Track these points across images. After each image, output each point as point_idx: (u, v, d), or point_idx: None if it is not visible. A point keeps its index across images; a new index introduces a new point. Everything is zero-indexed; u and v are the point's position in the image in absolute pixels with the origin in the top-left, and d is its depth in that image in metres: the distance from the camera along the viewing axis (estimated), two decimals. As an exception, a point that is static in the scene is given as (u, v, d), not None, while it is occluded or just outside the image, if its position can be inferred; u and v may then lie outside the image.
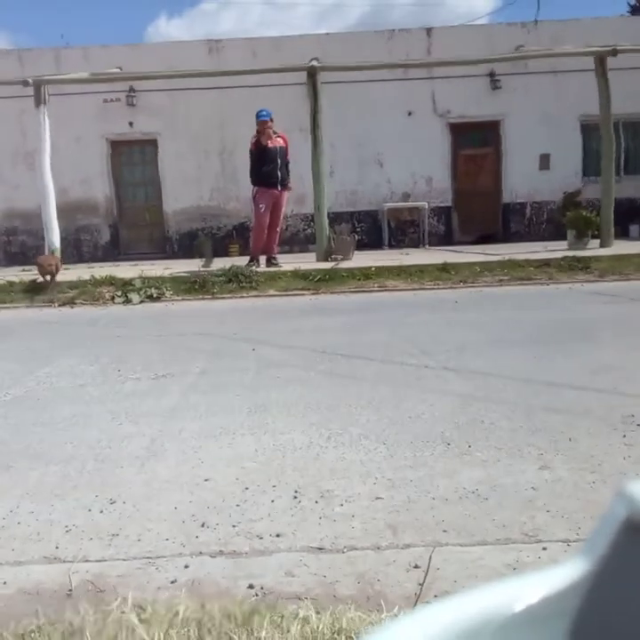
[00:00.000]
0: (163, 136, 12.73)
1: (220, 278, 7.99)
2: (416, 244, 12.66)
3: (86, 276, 8.18)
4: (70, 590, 1.68)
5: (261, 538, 1.90)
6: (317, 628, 1.42)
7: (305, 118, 9.86)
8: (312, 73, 9.41)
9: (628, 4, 25.20)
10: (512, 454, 2.45)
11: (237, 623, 1.45)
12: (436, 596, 1.58)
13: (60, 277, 8.26)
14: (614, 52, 9.56)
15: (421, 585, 1.63)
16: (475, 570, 1.69)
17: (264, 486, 2.25)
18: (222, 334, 5.28)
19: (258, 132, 8.80)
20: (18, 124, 12.01)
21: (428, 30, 12.71)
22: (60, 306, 7.50)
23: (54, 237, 9.57)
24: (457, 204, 13.13)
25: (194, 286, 7.88)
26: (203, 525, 1.99)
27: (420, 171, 12.84)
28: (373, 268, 8.18)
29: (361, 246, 10.68)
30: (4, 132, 12.31)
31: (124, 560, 1.82)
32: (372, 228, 12.90)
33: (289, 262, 8.94)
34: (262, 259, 9.15)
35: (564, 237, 10.03)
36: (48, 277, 8.18)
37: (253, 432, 2.84)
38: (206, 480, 2.33)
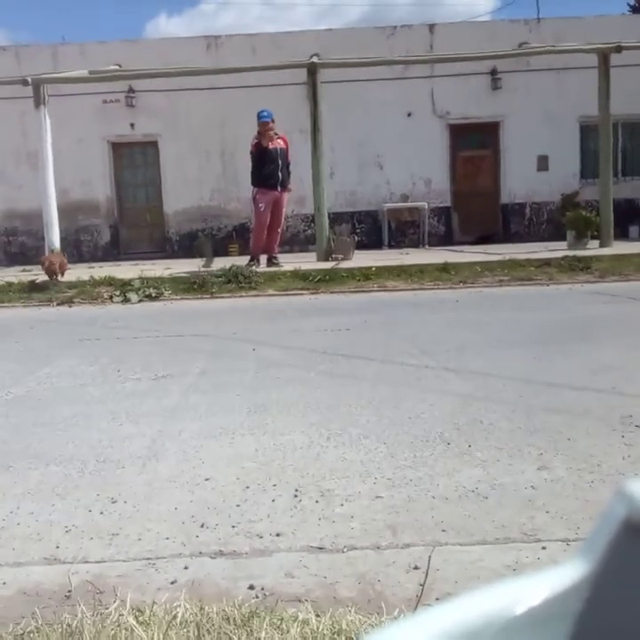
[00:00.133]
0: (163, 137, 12.74)
1: (220, 278, 7.99)
2: (416, 244, 12.67)
3: (85, 276, 8.19)
4: (69, 591, 1.68)
5: (261, 538, 1.90)
6: (317, 629, 1.42)
7: (305, 119, 9.86)
8: (312, 70, 9.41)
9: (628, 4, 25.23)
10: (512, 454, 2.45)
11: (237, 625, 1.45)
12: (437, 599, 1.58)
13: (58, 277, 8.28)
14: (619, 49, 9.52)
15: (422, 586, 1.63)
16: (475, 570, 1.69)
17: (264, 486, 2.25)
18: (222, 334, 5.28)
19: (259, 133, 8.80)
20: (19, 124, 12.01)
21: (431, 27, 12.71)
22: (58, 305, 7.50)
23: (54, 237, 9.57)
24: (456, 204, 13.14)
25: (193, 286, 7.89)
26: (202, 526, 1.99)
27: (419, 172, 12.85)
28: (373, 269, 8.18)
29: (361, 247, 10.69)
30: (4, 133, 12.31)
31: (123, 561, 1.82)
32: (371, 229, 12.91)
33: (289, 262, 8.94)
34: (263, 258, 9.16)
35: (563, 238, 10.04)
36: (53, 276, 8.21)
37: (253, 432, 2.84)
38: (207, 480, 2.33)
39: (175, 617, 1.48)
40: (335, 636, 1.41)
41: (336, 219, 11.69)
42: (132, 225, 13.14)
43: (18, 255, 12.69)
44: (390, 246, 12.55)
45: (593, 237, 9.59)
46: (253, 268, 8.61)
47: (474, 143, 13.10)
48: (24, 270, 10.10)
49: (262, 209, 8.90)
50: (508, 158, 12.98)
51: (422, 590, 1.61)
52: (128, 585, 1.70)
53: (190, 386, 3.67)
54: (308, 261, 9.07)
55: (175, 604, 1.55)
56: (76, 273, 8.63)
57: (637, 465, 2.31)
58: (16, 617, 1.57)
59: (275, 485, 2.26)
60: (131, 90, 12.34)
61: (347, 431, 2.79)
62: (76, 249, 12.60)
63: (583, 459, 2.37)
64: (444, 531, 1.89)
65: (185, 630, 1.44)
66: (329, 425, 2.88)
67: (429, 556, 1.75)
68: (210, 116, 12.44)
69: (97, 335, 5.56)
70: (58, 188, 9.87)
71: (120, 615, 1.51)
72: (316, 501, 2.12)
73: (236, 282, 7.91)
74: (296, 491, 2.20)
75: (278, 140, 8.95)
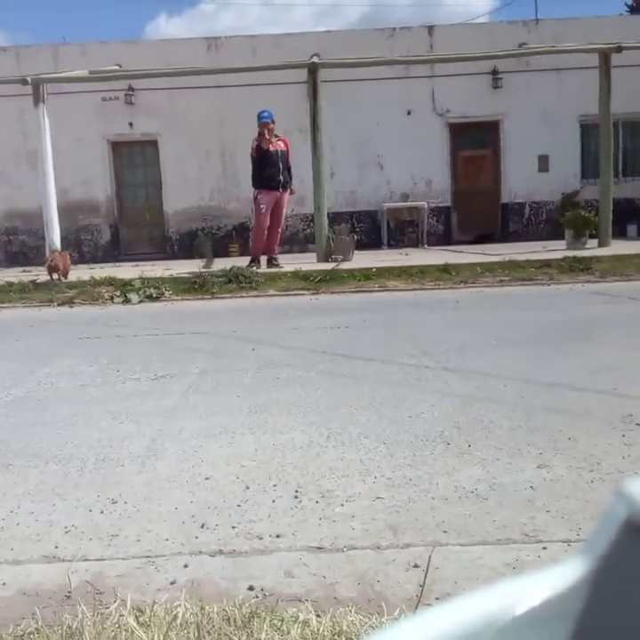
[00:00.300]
0: (163, 136, 12.73)
1: (220, 278, 7.99)
2: (415, 243, 12.67)
3: (86, 277, 8.19)
4: (69, 591, 1.68)
5: (261, 538, 1.90)
6: (318, 630, 1.41)
7: (305, 119, 9.86)
8: (313, 70, 9.40)
9: (626, 4, 25.25)
10: (512, 454, 2.45)
11: (237, 626, 1.45)
12: (437, 598, 1.57)
13: (62, 278, 8.29)
14: (619, 49, 9.51)
15: (422, 586, 1.63)
16: (475, 570, 1.69)
17: (264, 486, 2.25)
18: (222, 334, 5.27)
19: (259, 133, 8.80)
20: (18, 124, 12.00)
21: (430, 28, 12.71)
22: (58, 306, 7.50)
23: (55, 237, 9.57)
24: (456, 204, 13.13)
25: (193, 286, 7.89)
26: (202, 526, 1.98)
27: (419, 171, 12.84)
28: (374, 269, 8.18)
29: (360, 246, 10.69)
30: (3, 132, 12.30)
31: (123, 559, 1.82)
32: (371, 228, 12.91)
33: (289, 262, 8.94)
34: (263, 259, 9.16)
35: (561, 237, 10.04)
36: (58, 276, 8.22)
37: (253, 431, 2.84)
38: (207, 479, 2.33)
39: (175, 618, 1.47)
40: (336, 636, 1.40)
41: (335, 218, 11.69)
42: (132, 224, 13.14)
43: (18, 255, 12.69)
44: (389, 246, 12.55)
45: (591, 236, 9.60)
46: (254, 268, 8.61)
47: (474, 142, 13.09)
48: (24, 270, 10.11)
49: (263, 210, 8.90)
50: (508, 157, 12.97)
51: (422, 590, 1.61)
52: (128, 585, 1.69)
53: (190, 385, 3.67)
54: (308, 262, 9.06)
55: (175, 605, 1.54)
56: (76, 273, 8.64)
57: (637, 464, 2.31)
58: (16, 617, 1.57)
59: (275, 485, 2.26)
60: (130, 88, 12.33)
61: (346, 430, 2.79)
62: (77, 249, 12.60)
63: (583, 458, 2.37)
64: (444, 531, 1.89)
65: (185, 631, 1.44)
66: (329, 424, 2.88)
67: (429, 556, 1.75)
68: (210, 115, 12.44)
69: (97, 335, 5.56)
70: (57, 188, 9.86)
71: (120, 616, 1.50)
72: (316, 501, 2.12)
73: (236, 282, 7.91)
74: (296, 491, 2.20)
75: (278, 142, 8.95)
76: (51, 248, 9.40)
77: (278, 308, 6.79)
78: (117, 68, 11.40)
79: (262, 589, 1.65)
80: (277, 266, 8.87)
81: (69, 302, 7.58)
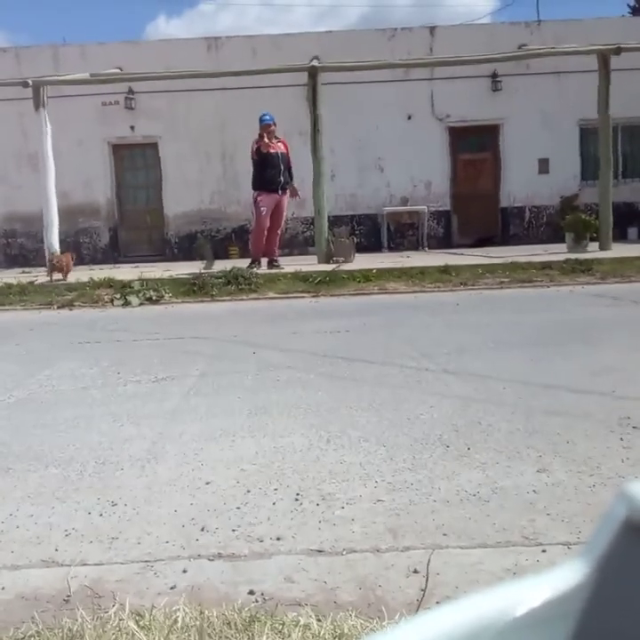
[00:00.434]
0: (163, 139, 12.74)
1: (220, 279, 7.99)
2: (415, 246, 12.68)
3: (85, 278, 8.19)
4: (68, 595, 1.67)
5: (262, 542, 1.90)
6: (319, 633, 1.41)
7: (305, 121, 9.87)
8: (313, 73, 9.42)
9: (628, 5, 25.29)
10: (511, 456, 2.45)
11: (238, 629, 1.45)
12: (437, 602, 1.57)
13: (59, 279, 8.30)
14: (618, 51, 9.50)
15: (423, 590, 1.62)
16: (475, 574, 1.68)
17: (264, 489, 2.25)
18: (222, 337, 5.27)
19: (260, 135, 8.83)
20: (19, 126, 12.01)
21: (431, 29, 12.72)
22: (58, 308, 7.50)
23: (54, 240, 9.58)
24: (456, 207, 13.14)
25: (193, 288, 7.88)
26: (202, 529, 1.98)
27: (419, 174, 12.85)
28: (374, 271, 8.18)
29: (360, 249, 10.69)
30: (4, 135, 12.31)
31: (122, 564, 1.81)
32: (371, 231, 12.92)
33: (289, 264, 8.95)
34: (263, 261, 9.16)
35: (562, 240, 10.05)
36: (59, 275, 8.24)
37: (253, 434, 2.83)
38: (207, 483, 2.33)
39: (176, 621, 1.47)
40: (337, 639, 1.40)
41: (335, 221, 11.69)
42: (132, 227, 13.15)
43: (17, 257, 12.70)
44: (390, 249, 12.56)
45: (592, 240, 9.60)
46: (254, 270, 8.61)
47: (474, 146, 13.11)
48: (23, 271, 10.11)
49: (264, 212, 8.91)
50: (507, 161, 12.99)
51: (423, 594, 1.61)
52: (127, 589, 1.69)
53: (190, 388, 3.67)
54: (308, 263, 9.07)
55: (175, 608, 1.54)
56: (75, 274, 8.64)
57: (636, 467, 2.31)
58: (16, 621, 1.56)
59: (275, 489, 2.25)
60: (130, 91, 12.34)
61: (346, 433, 2.79)
62: (76, 251, 12.57)
63: (582, 461, 2.37)
64: (444, 534, 1.89)
65: (186, 635, 1.43)
66: (329, 427, 2.88)
67: (429, 559, 1.75)
68: (210, 118, 12.45)
69: (97, 338, 5.56)
70: (58, 190, 9.87)
71: (120, 619, 1.50)
72: (317, 504, 2.12)
73: (235, 284, 7.91)
74: (297, 494, 2.20)
75: (279, 144, 8.96)
76: (50, 251, 9.41)
77: (278, 311, 6.79)
78: (118, 71, 11.41)
79: (262, 594, 1.65)
80: (278, 267, 8.87)
81: (69, 305, 7.58)
